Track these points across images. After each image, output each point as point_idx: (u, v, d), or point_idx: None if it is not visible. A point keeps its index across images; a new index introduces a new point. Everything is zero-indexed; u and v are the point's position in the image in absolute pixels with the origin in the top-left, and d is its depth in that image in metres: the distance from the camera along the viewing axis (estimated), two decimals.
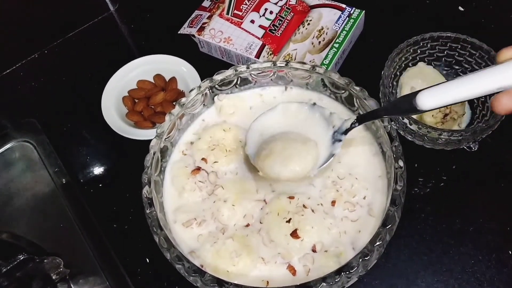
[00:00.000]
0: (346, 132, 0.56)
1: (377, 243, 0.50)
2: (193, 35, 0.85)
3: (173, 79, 0.82)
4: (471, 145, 0.67)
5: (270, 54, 0.80)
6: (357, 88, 0.61)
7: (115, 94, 0.81)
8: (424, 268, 0.63)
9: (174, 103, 0.80)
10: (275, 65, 0.64)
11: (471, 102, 0.71)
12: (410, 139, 0.68)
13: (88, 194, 0.75)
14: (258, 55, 0.80)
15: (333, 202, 0.58)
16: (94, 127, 0.80)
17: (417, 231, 0.66)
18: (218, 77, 0.64)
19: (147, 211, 0.54)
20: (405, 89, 0.72)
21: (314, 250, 0.55)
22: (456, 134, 0.62)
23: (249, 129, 0.60)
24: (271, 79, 0.66)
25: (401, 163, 0.54)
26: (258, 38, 0.81)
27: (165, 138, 0.61)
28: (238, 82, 0.66)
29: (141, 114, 0.80)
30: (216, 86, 0.65)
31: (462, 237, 0.65)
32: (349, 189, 0.59)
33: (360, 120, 0.56)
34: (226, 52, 0.83)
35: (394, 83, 0.73)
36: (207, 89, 0.64)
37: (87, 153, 0.79)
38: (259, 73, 0.65)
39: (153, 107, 0.81)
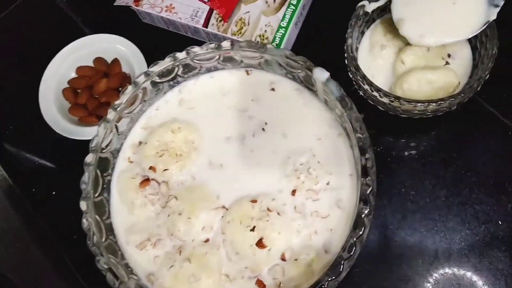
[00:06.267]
0: None
1: (347, 257, 0.45)
2: (131, 6, 0.74)
3: (115, 62, 0.72)
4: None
5: (220, 21, 0.69)
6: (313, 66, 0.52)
7: (53, 87, 0.71)
8: (409, 250, 0.59)
9: (120, 89, 0.71)
10: (219, 47, 0.55)
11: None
12: (382, 109, 0.61)
13: (39, 204, 0.68)
14: (206, 24, 0.69)
15: (294, 192, 0.52)
16: (35, 127, 0.71)
17: (399, 208, 0.60)
18: (154, 69, 0.55)
19: (88, 242, 0.48)
20: (375, 48, 0.63)
21: (283, 259, 0.50)
22: (433, 104, 0.55)
23: None
24: (218, 62, 0.57)
25: (368, 156, 0.48)
26: (204, 2, 0.71)
27: (103, 150, 0.53)
28: (181, 70, 0.57)
29: (85, 108, 0.71)
30: (156, 79, 0.56)
31: (447, 211, 0.60)
32: (311, 175, 0.53)
33: None
34: (170, 22, 0.72)
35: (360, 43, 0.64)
36: (146, 83, 0.56)
37: (30, 159, 0.72)
38: (202, 58, 0.56)
39: (97, 97, 0.72)
